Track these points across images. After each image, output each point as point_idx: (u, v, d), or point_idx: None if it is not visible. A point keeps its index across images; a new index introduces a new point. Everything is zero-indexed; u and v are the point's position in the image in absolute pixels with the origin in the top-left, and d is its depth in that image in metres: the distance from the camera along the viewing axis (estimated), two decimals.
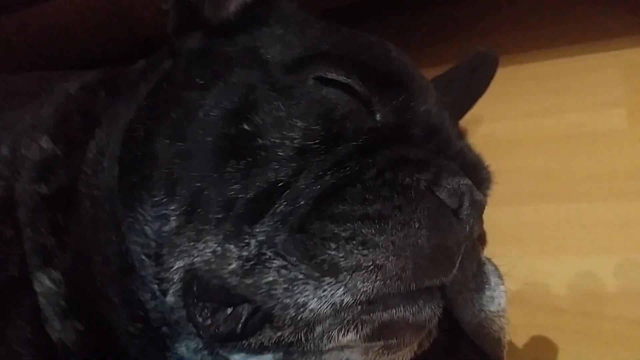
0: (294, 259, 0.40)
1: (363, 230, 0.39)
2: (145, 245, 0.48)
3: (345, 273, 0.39)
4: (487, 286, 0.46)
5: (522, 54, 1.02)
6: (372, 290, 0.39)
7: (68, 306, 0.52)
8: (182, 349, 0.49)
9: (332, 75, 0.48)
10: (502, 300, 0.46)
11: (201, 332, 0.45)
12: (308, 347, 0.43)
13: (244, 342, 0.44)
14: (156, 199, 0.47)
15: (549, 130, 0.94)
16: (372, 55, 0.52)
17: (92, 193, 0.52)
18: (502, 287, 0.47)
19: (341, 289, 0.39)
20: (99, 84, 0.60)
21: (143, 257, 0.48)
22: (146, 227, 0.48)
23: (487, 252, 0.52)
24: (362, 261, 0.39)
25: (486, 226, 0.55)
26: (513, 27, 1.05)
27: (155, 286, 0.48)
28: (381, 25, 1.06)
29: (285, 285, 0.40)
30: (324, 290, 0.39)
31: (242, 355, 0.47)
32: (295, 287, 0.39)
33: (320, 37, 0.54)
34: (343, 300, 0.39)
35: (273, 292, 0.40)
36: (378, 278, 0.39)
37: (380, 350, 0.43)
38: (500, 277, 0.48)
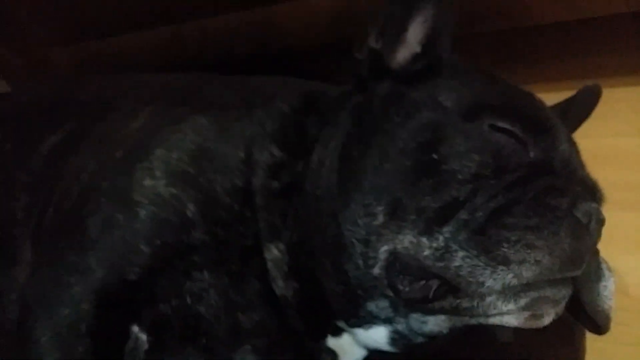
0: (475, 252, 0.59)
1: (527, 236, 0.58)
2: (357, 232, 0.66)
3: (514, 264, 0.57)
4: (603, 277, 0.64)
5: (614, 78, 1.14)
6: (532, 276, 0.58)
7: (288, 270, 0.73)
8: (372, 306, 0.68)
9: (501, 125, 0.65)
10: (612, 287, 0.65)
11: (400, 296, 0.64)
12: (477, 312, 0.62)
13: (428, 305, 0.63)
14: (367, 201, 0.66)
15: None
16: (524, 104, 0.70)
17: (315, 192, 0.72)
18: (612, 279, 0.65)
19: (511, 274, 0.57)
20: (306, 106, 0.80)
21: (354, 240, 0.67)
22: (358, 220, 0.66)
23: None
24: (526, 257, 0.57)
25: None
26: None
27: (360, 261, 0.66)
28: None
29: (470, 269, 0.58)
30: (498, 274, 0.58)
31: (419, 314, 0.67)
32: (477, 271, 0.58)
33: (484, 88, 0.72)
34: (511, 282, 0.58)
35: (460, 272, 0.59)
36: (537, 269, 0.57)
37: (529, 318, 0.62)
38: (610, 271, 0.66)
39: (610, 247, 0.97)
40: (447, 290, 0.61)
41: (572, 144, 0.72)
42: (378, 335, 0.71)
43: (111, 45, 1.55)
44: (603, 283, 0.64)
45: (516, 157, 0.65)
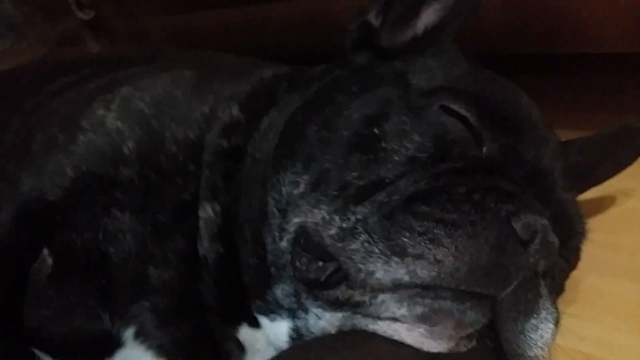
0: (376, 237, 0.51)
1: (435, 230, 0.49)
2: (279, 201, 0.61)
3: (410, 258, 0.49)
4: (535, 315, 0.52)
5: None
6: (427, 278, 0.48)
7: (218, 232, 0.67)
8: (278, 291, 0.62)
9: (454, 107, 0.58)
10: (545, 334, 0.52)
11: (295, 274, 0.58)
12: (369, 311, 0.53)
13: (324, 292, 0.55)
14: (295, 168, 0.61)
15: None
16: (499, 98, 0.61)
17: (255, 155, 0.67)
18: (550, 325, 0.53)
19: (403, 269, 0.49)
20: (286, 75, 0.76)
21: (275, 209, 0.61)
22: (282, 188, 0.61)
23: None
24: (425, 253, 0.48)
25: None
26: None
27: (277, 233, 0.61)
28: None
29: (363, 255, 0.51)
30: (390, 266, 0.49)
31: (319, 310, 0.58)
32: (370, 258, 0.50)
33: (462, 75, 0.64)
34: (403, 278, 0.49)
35: (353, 256, 0.51)
36: (434, 270, 0.48)
37: (423, 333, 0.52)
38: (553, 319, 0.54)
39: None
40: (341, 277, 0.54)
41: (556, 159, 0.62)
42: (280, 331, 0.64)
43: (196, 21, 1.60)
44: (533, 322, 0.52)
45: (461, 146, 0.57)
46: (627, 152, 0.81)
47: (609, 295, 0.82)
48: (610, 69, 1.10)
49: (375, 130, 0.59)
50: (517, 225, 0.50)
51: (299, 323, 0.61)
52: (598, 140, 0.80)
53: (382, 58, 0.69)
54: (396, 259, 0.49)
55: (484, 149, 0.58)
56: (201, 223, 0.68)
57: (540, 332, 0.52)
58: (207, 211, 0.68)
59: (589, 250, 0.89)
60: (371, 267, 0.50)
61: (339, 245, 0.53)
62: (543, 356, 0.53)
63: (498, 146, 0.58)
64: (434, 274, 0.48)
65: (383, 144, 0.58)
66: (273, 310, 0.64)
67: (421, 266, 0.48)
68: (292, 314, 0.62)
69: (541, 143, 0.61)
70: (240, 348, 0.69)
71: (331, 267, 0.54)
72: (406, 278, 0.49)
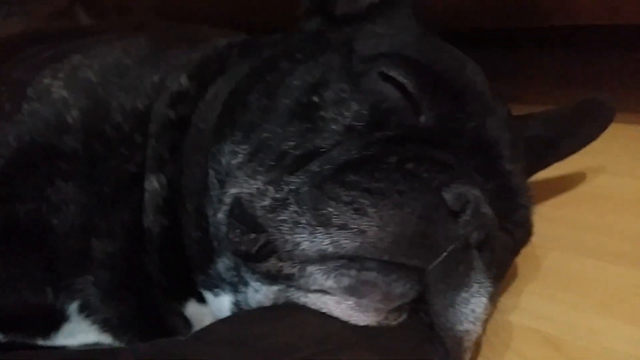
0: (305, 207, 0.50)
1: (360, 199, 0.48)
2: (218, 172, 0.60)
3: (334, 228, 0.48)
4: (466, 288, 0.51)
5: None
6: (351, 248, 0.47)
7: (163, 205, 0.66)
8: (220, 265, 0.61)
9: (392, 73, 0.56)
10: (476, 308, 0.51)
11: (229, 246, 0.57)
12: (300, 283, 0.52)
13: (257, 265, 0.54)
14: (235, 138, 0.60)
15: None
16: (442, 66, 0.60)
17: (199, 125, 0.66)
18: (483, 299, 0.52)
19: (327, 240, 0.48)
20: (240, 44, 0.75)
21: (215, 180, 0.60)
22: (222, 158, 0.60)
23: None
24: (349, 223, 0.47)
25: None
26: None
27: (217, 205, 0.60)
28: None
29: (291, 225, 0.50)
30: (315, 237, 0.48)
31: (258, 284, 0.57)
32: (297, 229, 0.50)
33: (409, 43, 0.62)
34: (327, 249, 0.48)
35: (281, 227, 0.51)
36: (357, 240, 0.47)
37: (351, 305, 0.51)
38: (487, 293, 0.53)
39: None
40: (272, 249, 0.53)
41: (504, 130, 0.61)
42: (223, 306, 0.63)
43: None
44: (464, 295, 0.51)
45: (397, 115, 0.56)
46: (591, 126, 0.79)
47: (570, 273, 0.80)
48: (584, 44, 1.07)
49: (315, 99, 0.58)
50: (448, 196, 0.49)
51: (240, 297, 0.61)
52: (562, 114, 0.78)
53: (334, 25, 0.68)
54: (321, 229, 0.48)
55: (422, 118, 0.56)
56: (146, 195, 0.67)
57: (471, 306, 0.51)
58: (152, 183, 0.67)
59: (553, 227, 0.88)
60: (297, 238, 0.49)
61: (269, 216, 0.52)
62: (475, 331, 0.52)
63: (437, 115, 0.56)
64: (357, 244, 0.47)
65: (322, 112, 0.57)
66: (216, 284, 0.63)
67: (345, 236, 0.48)
68: (233, 288, 0.61)
69: (485, 113, 0.59)
70: (187, 323, 0.68)
71: (263, 239, 0.53)
72: (330, 249, 0.48)
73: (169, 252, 0.66)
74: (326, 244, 0.48)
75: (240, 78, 0.67)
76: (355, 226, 0.47)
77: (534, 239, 0.86)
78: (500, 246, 0.60)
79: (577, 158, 0.90)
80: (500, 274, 0.67)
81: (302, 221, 0.50)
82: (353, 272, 0.49)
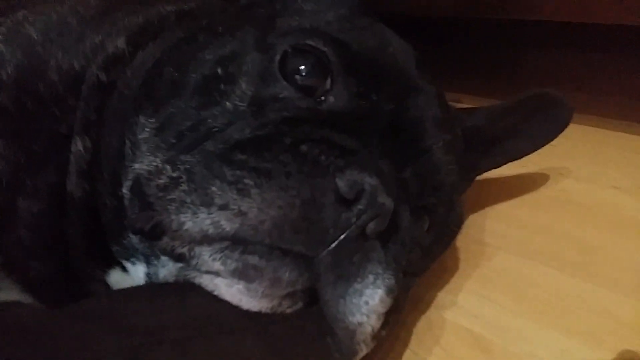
0: (193, 186, 0.48)
1: (245, 180, 0.46)
2: (131, 143, 0.58)
3: (215, 208, 0.46)
4: (359, 279, 0.49)
5: None
6: (231, 230, 0.46)
7: (87, 169, 0.65)
8: (134, 236, 0.59)
9: (303, 44, 0.54)
10: (371, 300, 0.49)
11: (127, 222, 0.55)
12: (192, 263, 0.50)
13: (152, 243, 0.53)
14: (147, 111, 0.58)
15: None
16: (363, 45, 0.57)
17: (123, 91, 0.64)
18: (379, 291, 0.50)
19: (208, 220, 0.46)
20: (180, 12, 0.72)
21: (129, 151, 0.58)
22: (135, 129, 0.58)
23: None
24: (230, 203, 0.45)
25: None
26: None
27: (126, 178, 0.58)
28: None
29: (177, 205, 0.48)
30: (197, 217, 0.46)
31: (166, 258, 0.55)
32: (182, 208, 0.48)
33: (334, 20, 0.60)
34: (208, 230, 0.46)
35: (169, 207, 0.49)
36: (237, 221, 0.45)
37: (241, 290, 0.49)
38: (385, 286, 0.50)
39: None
40: (163, 228, 0.51)
41: (427, 110, 0.58)
42: (138, 276, 0.61)
43: None
44: (356, 287, 0.49)
45: (301, 93, 0.53)
46: (546, 125, 0.75)
47: (512, 276, 0.78)
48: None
49: (219, 71, 0.55)
50: (341, 183, 0.46)
51: (151, 270, 0.59)
52: (506, 107, 0.75)
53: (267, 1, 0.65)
54: (203, 209, 0.46)
55: (330, 98, 0.54)
56: (71, 157, 0.65)
57: (364, 298, 0.49)
58: (77, 146, 0.65)
59: (505, 227, 0.86)
60: (182, 218, 0.47)
61: (160, 194, 0.50)
62: (370, 324, 0.50)
63: (349, 95, 0.54)
64: (236, 225, 0.45)
65: (222, 87, 0.54)
66: (131, 254, 0.61)
67: (225, 217, 0.46)
68: (146, 260, 0.60)
69: (408, 93, 0.57)
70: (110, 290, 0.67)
71: (157, 217, 0.51)
72: (211, 230, 0.46)
73: (89, 218, 0.65)
74: (207, 224, 0.46)
75: (166, 47, 0.65)
76: (236, 207, 0.45)
77: (484, 238, 0.85)
78: (414, 239, 0.57)
79: (543, 159, 0.87)
80: (419, 269, 0.64)
81: (187, 200, 0.48)
82: (237, 255, 0.47)
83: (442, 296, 0.77)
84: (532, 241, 0.83)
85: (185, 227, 0.47)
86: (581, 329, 0.69)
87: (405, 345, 0.70)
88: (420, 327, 0.73)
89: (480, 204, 0.89)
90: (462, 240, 0.74)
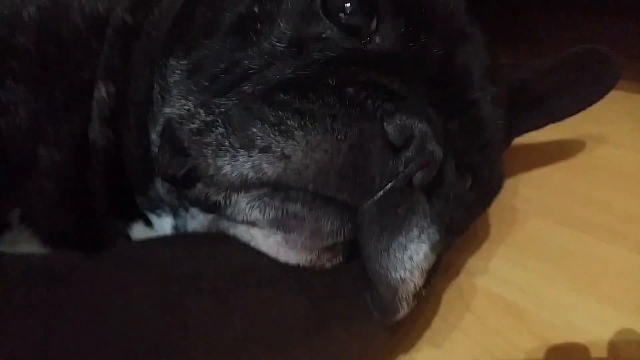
0: (230, 129, 0.45)
1: (288, 121, 0.42)
2: (161, 87, 0.55)
3: (256, 150, 0.43)
4: (404, 232, 0.45)
5: None
6: (272, 174, 0.42)
7: (110, 116, 0.62)
8: (159, 185, 0.57)
9: None
10: (415, 255, 0.46)
11: (157, 169, 0.52)
12: (227, 213, 0.48)
13: (185, 191, 0.50)
14: (178, 52, 0.54)
15: None
16: None
17: (151, 32, 0.61)
18: (424, 246, 0.46)
19: (249, 164, 0.43)
20: None
21: (158, 96, 0.55)
22: (165, 73, 0.55)
23: None
24: (272, 145, 0.42)
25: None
26: None
27: (154, 124, 0.55)
28: None
29: (214, 148, 0.45)
30: (237, 160, 0.43)
31: (195, 210, 0.54)
32: (220, 152, 0.44)
33: None
34: (248, 174, 0.43)
35: (205, 150, 0.46)
36: (280, 165, 0.42)
37: (279, 240, 0.47)
38: (430, 241, 0.47)
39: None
40: (198, 175, 0.48)
41: (475, 58, 0.54)
42: (164, 229, 0.59)
43: None
44: (401, 240, 0.45)
45: (342, 34, 0.50)
46: (593, 85, 0.71)
47: (547, 243, 0.75)
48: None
49: (255, 9, 0.51)
50: (390, 128, 0.43)
51: (179, 222, 0.57)
52: (554, 64, 0.70)
53: None
54: (243, 152, 0.43)
55: (376, 39, 0.50)
56: (94, 104, 0.62)
57: (409, 253, 0.46)
58: (100, 92, 0.62)
59: (539, 193, 0.83)
60: (219, 162, 0.44)
61: (195, 138, 0.47)
62: (413, 281, 0.47)
63: (396, 36, 0.50)
64: (279, 169, 0.42)
65: (258, 26, 0.51)
66: (157, 206, 0.59)
67: (267, 160, 0.42)
68: (174, 211, 0.57)
69: (457, 39, 0.53)
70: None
71: (190, 163, 0.48)
72: (251, 173, 0.43)
73: (113, 169, 0.62)
74: (247, 168, 0.43)
75: None
76: (279, 149, 0.42)
77: (516, 203, 0.82)
78: (458, 196, 0.54)
79: (578, 124, 0.83)
80: (460, 228, 0.61)
81: (225, 143, 0.45)
82: (277, 202, 0.44)
83: (473, 262, 0.74)
84: (568, 208, 0.80)
85: (223, 171, 0.44)
86: (618, 296, 0.67)
87: (434, 312, 0.67)
88: (450, 293, 0.70)
89: (513, 170, 0.86)
90: (494, 206, 0.71)
